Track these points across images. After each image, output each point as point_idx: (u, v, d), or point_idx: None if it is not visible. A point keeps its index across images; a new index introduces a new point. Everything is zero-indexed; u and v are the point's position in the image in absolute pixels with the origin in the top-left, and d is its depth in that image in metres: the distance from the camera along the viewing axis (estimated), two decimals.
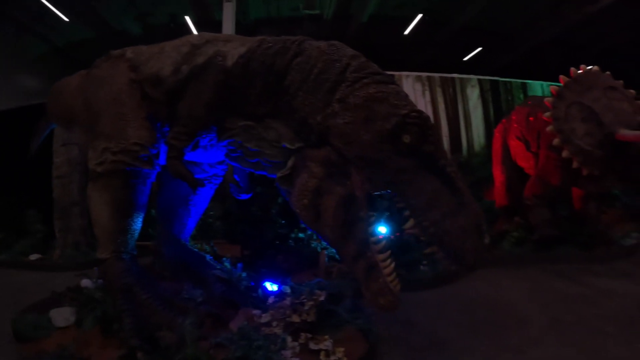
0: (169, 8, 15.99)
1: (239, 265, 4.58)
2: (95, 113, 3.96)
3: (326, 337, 3.37)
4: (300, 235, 6.11)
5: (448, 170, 2.76)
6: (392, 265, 2.84)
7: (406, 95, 3.07)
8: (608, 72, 5.88)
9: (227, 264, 4.58)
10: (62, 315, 3.95)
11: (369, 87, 2.96)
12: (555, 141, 5.59)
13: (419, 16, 16.54)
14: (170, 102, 3.72)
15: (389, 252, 2.87)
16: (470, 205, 2.71)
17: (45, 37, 16.70)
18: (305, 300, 3.53)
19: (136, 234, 3.91)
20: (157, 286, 4.04)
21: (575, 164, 5.52)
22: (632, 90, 5.78)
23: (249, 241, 5.85)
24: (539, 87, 11.83)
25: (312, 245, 6.09)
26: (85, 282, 4.38)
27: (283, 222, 5.87)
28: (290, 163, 3.17)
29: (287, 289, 3.83)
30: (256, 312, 3.64)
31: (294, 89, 3.15)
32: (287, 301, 3.58)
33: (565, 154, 5.53)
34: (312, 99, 3.05)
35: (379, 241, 2.88)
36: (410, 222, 2.78)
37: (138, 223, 3.90)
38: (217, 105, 3.49)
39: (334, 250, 6.04)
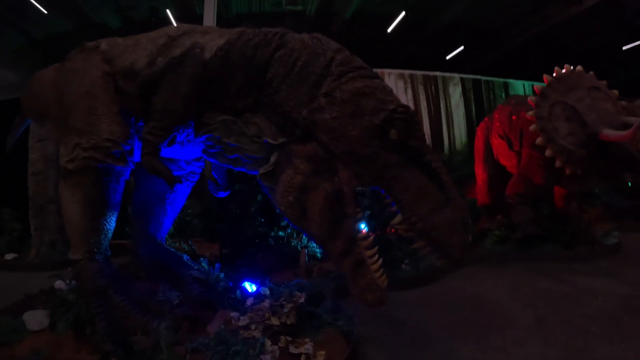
0: (150, 2, 15.67)
1: (217, 265, 4.43)
2: (66, 107, 3.78)
3: (306, 340, 3.26)
4: (280, 233, 6.00)
5: (434, 166, 2.75)
6: (380, 261, 2.81)
7: (391, 90, 3.01)
8: (592, 72, 5.90)
9: (204, 264, 4.42)
10: (35, 319, 3.77)
11: (356, 81, 2.90)
12: (539, 140, 5.58)
13: (402, 14, 16.47)
14: (145, 96, 3.56)
15: (376, 248, 2.82)
16: (456, 200, 2.72)
17: (23, 30, 16.25)
18: (284, 303, 3.41)
19: (110, 234, 3.77)
20: (131, 288, 3.91)
21: (558, 163, 5.52)
22: (615, 91, 5.81)
23: (227, 240, 5.72)
24: (520, 86, 11.93)
25: (292, 243, 5.99)
26: (59, 284, 4.19)
27: (262, 220, 5.74)
28: (273, 159, 3.07)
29: (266, 291, 3.71)
30: (234, 314, 3.52)
31: (276, 82, 3.06)
32: (266, 303, 3.46)
33: (548, 153, 5.53)
34: (297, 93, 2.98)
35: (366, 237, 2.83)
36: (398, 218, 2.74)
37: (111, 222, 3.75)
38: (195, 98, 3.34)
39: (314, 249, 6.10)
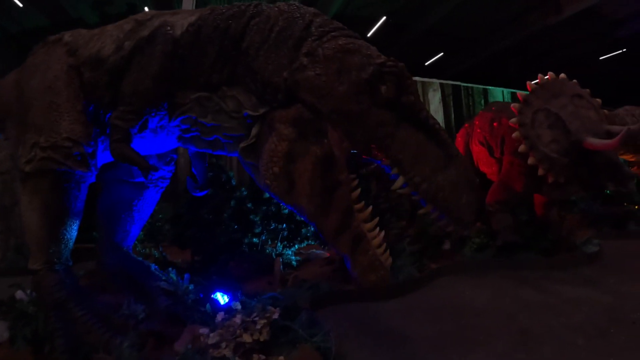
0: None
1: (186, 276, 4.18)
2: (26, 103, 3.53)
3: (281, 358, 3.05)
4: (255, 240, 5.78)
5: (431, 122, 2.61)
6: (382, 234, 2.60)
7: (377, 50, 2.84)
8: (575, 80, 5.85)
9: (172, 275, 4.17)
10: None
11: (338, 39, 2.75)
12: (521, 147, 5.50)
13: (383, 18, 16.50)
14: (113, 84, 3.32)
15: (376, 219, 2.60)
16: (458, 158, 2.58)
17: None
18: (257, 319, 3.17)
19: (71, 243, 3.55)
20: (94, 301, 3.68)
21: (541, 171, 5.44)
22: (598, 99, 5.78)
23: (200, 246, 5.47)
24: (500, 93, 11.96)
25: (267, 250, 5.78)
26: (20, 294, 3.89)
27: (236, 226, 5.50)
28: (254, 131, 2.84)
29: (238, 305, 3.47)
30: (203, 330, 3.27)
31: (253, 50, 2.87)
32: (238, 319, 3.21)
33: (531, 160, 5.44)
34: (276, 57, 2.79)
35: (364, 208, 2.60)
36: (400, 181, 2.55)
37: (72, 232, 3.53)
38: (166, 78, 3.11)
39: (289, 256, 5.90)
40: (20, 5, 14.17)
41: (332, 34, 2.80)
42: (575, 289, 5.24)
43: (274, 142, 2.65)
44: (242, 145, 2.92)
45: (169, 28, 3.16)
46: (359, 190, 2.68)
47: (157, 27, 3.21)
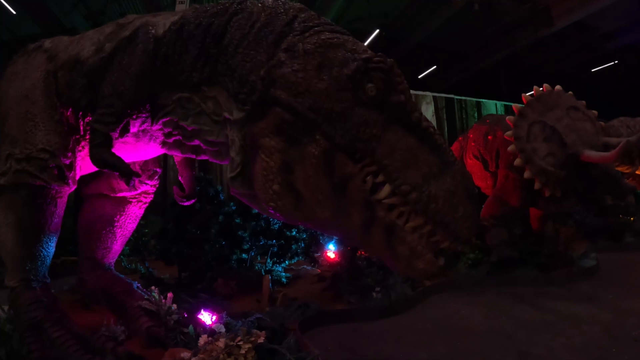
0: (121, 8, 15.36)
1: (169, 295, 4.00)
2: (3, 113, 3.40)
3: None
4: (244, 256, 5.59)
5: (424, 125, 2.29)
6: (417, 220, 2.16)
7: (364, 45, 2.57)
8: (570, 92, 5.79)
9: (155, 295, 3.99)
10: None
11: (321, 34, 2.49)
12: (517, 161, 5.40)
13: (376, 32, 16.53)
14: (91, 87, 3.15)
15: (407, 207, 2.18)
16: (455, 164, 2.24)
17: None
18: (241, 342, 3.00)
19: (48, 260, 3.41)
20: (72, 321, 3.47)
21: (537, 185, 5.35)
22: (594, 111, 5.71)
23: (186, 262, 5.30)
24: (493, 106, 11.96)
25: (256, 267, 5.60)
26: None
27: (224, 243, 5.33)
28: (238, 159, 2.55)
29: (221, 328, 3.30)
30: (185, 355, 3.09)
31: (233, 46, 2.64)
32: (221, 343, 3.03)
33: (527, 174, 5.35)
34: (254, 54, 2.52)
35: (386, 196, 2.20)
36: (386, 189, 2.18)
37: (50, 248, 3.38)
38: (148, 78, 2.91)
39: (279, 273, 5.74)
40: (14, 12, 14.06)
41: (316, 28, 2.54)
42: (573, 305, 5.10)
43: (264, 159, 2.37)
44: (230, 175, 2.65)
45: (150, 27, 3.00)
46: (371, 178, 2.27)
47: (139, 26, 3.06)
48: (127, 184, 3.11)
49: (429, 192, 2.10)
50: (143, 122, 3.09)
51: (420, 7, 16.11)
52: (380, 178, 2.21)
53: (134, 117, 3.01)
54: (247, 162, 2.52)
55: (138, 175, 3.20)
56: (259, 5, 2.77)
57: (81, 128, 3.36)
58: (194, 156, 3.20)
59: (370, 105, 2.26)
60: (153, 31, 2.98)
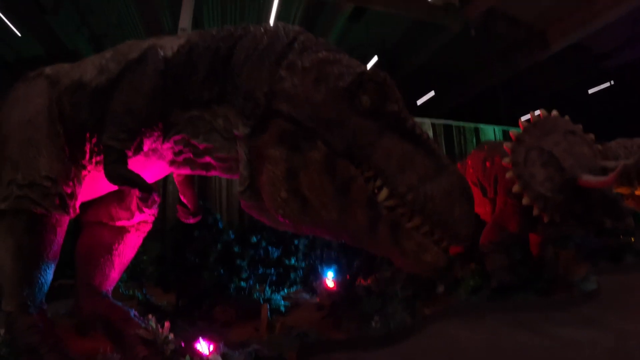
0: (124, 32, 15.55)
1: (167, 324, 3.97)
2: (4, 137, 3.44)
3: None
4: (242, 284, 5.57)
5: (418, 132, 2.45)
6: (417, 219, 2.28)
7: (359, 62, 2.78)
8: (567, 117, 5.83)
9: (152, 323, 3.96)
10: None
11: (319, 52, 2.70)
12: (515, 187, 5.42)
13: (375, 58, 16.71)
14: (97, 107, 3.24)
15: (404, 207, 2.30)
16: (450, 167, 2.37)
17: None
18: None
19: (46, 287, 3.43)
20: (67, 347, 3.52)
21: (535, 211, 5.35)
22: (591, 135, 5.74)
23: (184, 289, 5.26)
24: (491, 131, 12.03)
25: (255, 295, 5.57)
26: None
27: (222, 271, 5.31)
28: (245, 172, 2.73)
29: (218, 359, 3.26)
30: None
31: (238, 67, 2.87)
32: None
33: (525, 200, 5.36)
34: (258, 73, 2.75)
35: (384, 199, 2.33)
36: (384, 193, 2.32)
37: (48, 275, 3.41)
38: (159, 96, 3.05)
39: (277, 301, 5.70)
40: (19, 34, 14.28)
41: (314, 48, 2.77)
42: (575, 330, 5.04)
43: (270, 169, 2.54)
44: (239, 189, 2.80)
45: (159, 49, 3.16)
46: (371, 183, 2.42)
47: (147, 48, 3.20)
48: (146, 200, 3.21)
49: (425, 193, 2.23)
50: (154, 141, 3.20)
51: (417, 33, 16.34)
52: (378, 182, 2.36)
53: (147, 135, 3.12)
54: (254, 174, 2.70)
55: (156, 191, 3.27)
56: (261, 29, 3.00)
57: (87, 151, 3.41)
58: (204, 173, 3.29)
59: (366, 115, 2.44)
60: (162, 53, 3.12)
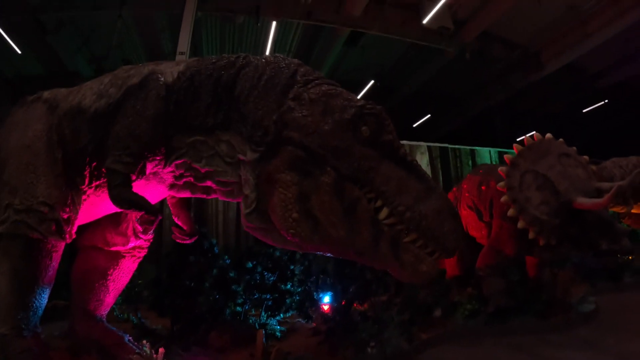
0: (124, 54, 15.67)
1: (161, 350, 3.94)
2: (2, 160, 3.49)
3: None
4: (238, 309, 5.53)
5: (409, 159, 2.78)
6: (414, 235, 2.59)
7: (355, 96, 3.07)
8: (561, 139, 5.88)
9: (146, 349, 3.93)
10: None
11: (321, 85, 2.97)
12: (511, 211, 5.44)
13: (371, 82, 16.89)
14: (98, 132, 3.31)
15: (403, 226, 2.61)
16: (437, 189, 2.72)
17: None
18: None
19: (40, 310, 3.44)
20: None
21: (531, 234, 5.37)
22: (585, 157, 5.79)
23: (180, 314, 5.22)
24: (487, 153, 12.08)
25: (250, 321, 5.52)
26: None
27: (217, 296, 5.28)
28: (252, 195, 2.87)
29: None
30: None
31: (244, 96, 3.02)
32: None
33: (521, 224, 5.38)
34: (265, 102, 2.93)
35: (387, 215, 2.62)
36: (385, 212, 2.62)
37: (42, 299, 3.43)
38: (162, 120, 3.14)
39: (273, 326, 5.65)
40: (19, 51, 14.41)
41: (316, 81, 3.00)
42: (573, 353, 5.04)
43: (282, 192, 2.70)
44: (245, 212, 2.92)
45: (159, 75, 3.25)
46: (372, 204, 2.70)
47: (148, 74, 3.28)
48: (151, 224, 3.25)
49: (420, 212, 2.54)
50: (156, 165, 3.27)
51: (413, 57, 16.57)
52: (379, 203, 2.64)
53: (150, 159, 3.20)
54: (261, 197, 2.84)
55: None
56: (262, 60, 3.17)
57: (87, 175, 3.44)
58: (204, 196, 3.39)
59: (366, 144, 2.72)
60: (162, 79, 3.21)
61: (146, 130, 3.10)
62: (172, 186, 3.44)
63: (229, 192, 3.19)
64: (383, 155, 2.73)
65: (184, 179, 3.32)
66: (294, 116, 2.80)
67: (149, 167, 3.26)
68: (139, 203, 3.07)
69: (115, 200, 3.07)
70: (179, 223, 4.16)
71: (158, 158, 3.23)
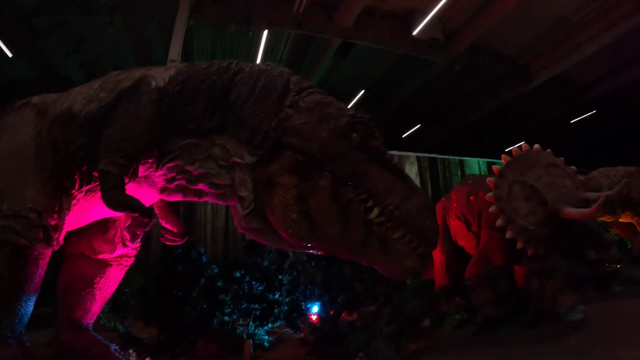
0: (115, 60, 15.62)
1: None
2: None
3: None
4: (226, 318, 5.48)
5: (394, 162, 3.00)
6: (401, 231, 2.78)
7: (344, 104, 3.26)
8: (549, 150, 5.91)
9: (132, 358, 3.89)
10: None
11: (314, 95, 3.14)
12: (499, 222, 5.45)
13: (361, 92, 16.99)
14: (89, 136, 3.30)
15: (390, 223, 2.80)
16: (418, 189, 2.96)
17: None
18: None
19: (26, 318, 3.39)
20: None
21: (519, 244, 5.37)
22: (573, 167, 5.83)
23: (167, 323, 5.17)
24: (475, 164, 12.16)
25: (238, 330, 5.47)
26: None
27: (205, 305, 5.23)
28: (250, 197, 2.99)
29: None
30: None
31: (240, 101, 3.13)
32: None
33: (509, 234, 5.39)
34: (262, 108, 3.06)
35: (375, 216, 2.81)
36: (375, 212, 2.80)
37: (28, 307, 3.38)
38: (155, 123, 3.17)
39: (261, 336, 5.61)
40: (10, 54, 14.32)
41: (309, 89, 3.17)
42: None
43: (282, 194, 2.82)
44: (243, 213, 3.01)
45: (151, 79, 3.28)
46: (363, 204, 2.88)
47: (139, 78, 3.31)
48: (145, 226, 3.25)
49: (406, 210, 2.75)
50: (148, 168, 3.27)
51: (403, 68, 16.68)
52: (370, 203, 2.82)
53: (143, 161, 3.20)
54: (259, 198, 2.95)
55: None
56: (256, 68, 3.30)
57: (77, 179, 3.41)
58: (196, 199, 3.42)
59: (357, 149, 2.90)
60: (154, 83, 3.24)
61: (140, 132, 3.12)
62: (163, 190, 3.43)
63: (221, 195, 3.23)
64: (371, 159, 2.91)
65: (176, 182, 3.33)
66: (294, 123, 2.96)
67: (141, 170, 3.25)
68: (132, 205, 3.10)
69: (108, 202, 3.06)
70: (167, 226, 4.12)
71: (150, 161, 3.23)
